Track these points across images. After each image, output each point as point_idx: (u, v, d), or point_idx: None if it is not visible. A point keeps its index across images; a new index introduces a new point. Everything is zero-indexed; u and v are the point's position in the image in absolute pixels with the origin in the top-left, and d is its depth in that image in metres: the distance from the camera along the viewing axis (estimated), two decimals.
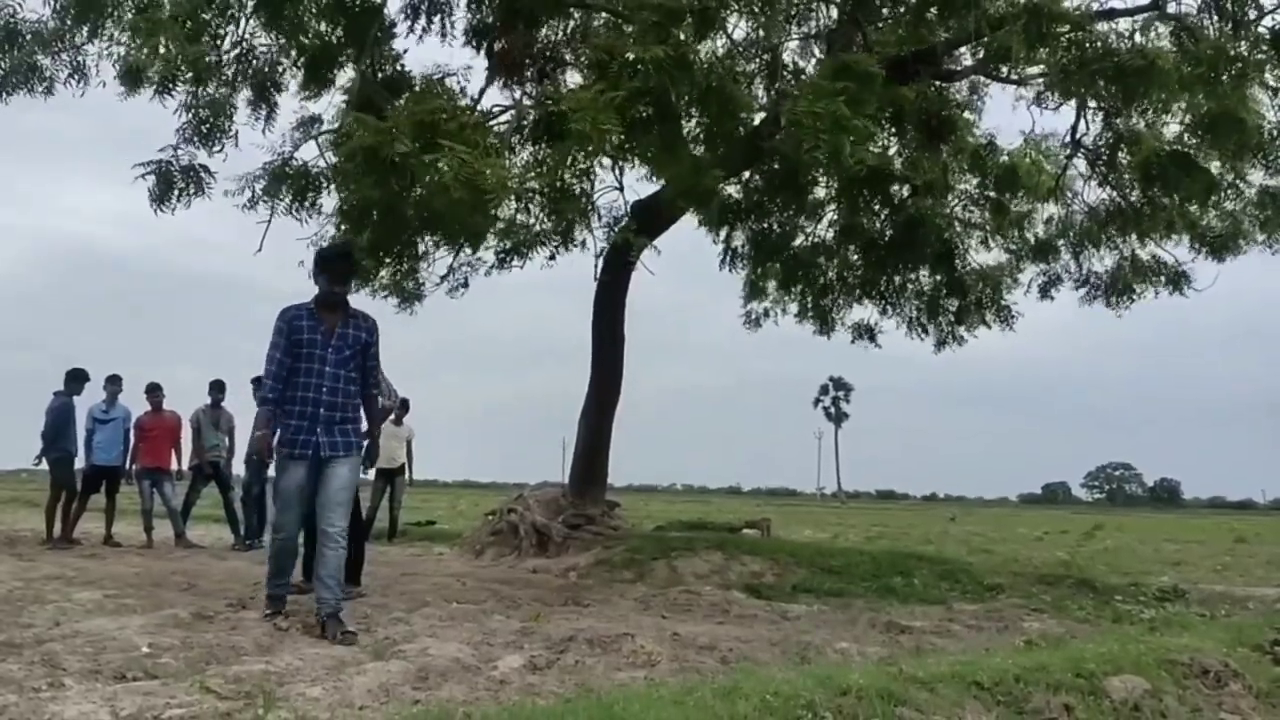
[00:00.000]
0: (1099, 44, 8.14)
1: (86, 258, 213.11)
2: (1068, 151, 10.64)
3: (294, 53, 9.35)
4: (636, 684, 3.88)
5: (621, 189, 10.55)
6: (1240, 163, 9.56)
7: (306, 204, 9.30)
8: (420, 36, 9.44)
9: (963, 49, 9.71)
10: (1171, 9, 8.46)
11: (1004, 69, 9.55)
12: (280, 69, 9.46)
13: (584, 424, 10.62)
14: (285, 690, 3.64)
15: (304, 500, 5.29)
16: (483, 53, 9.62)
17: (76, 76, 8.96)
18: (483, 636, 5.09)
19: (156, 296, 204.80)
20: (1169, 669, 3.97)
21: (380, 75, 9.53)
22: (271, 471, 6.95)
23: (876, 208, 11.40)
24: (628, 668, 4.37)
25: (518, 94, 9.66)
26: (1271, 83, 8.51)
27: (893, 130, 9.91)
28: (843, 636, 5.67)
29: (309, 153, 9.51)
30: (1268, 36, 8.09)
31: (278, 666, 4.07)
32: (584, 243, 11.09)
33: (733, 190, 11.16)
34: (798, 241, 12.23)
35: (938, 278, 11.89)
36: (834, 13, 9.83)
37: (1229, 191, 10.10)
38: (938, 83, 10.04)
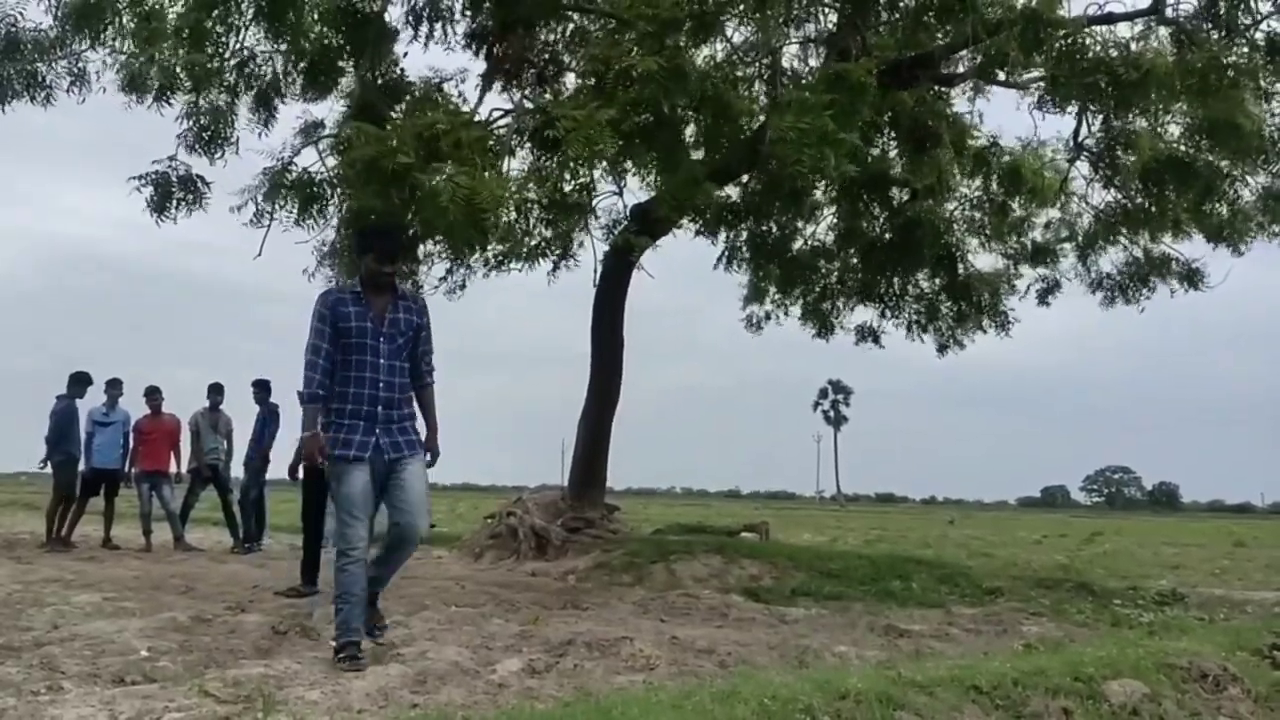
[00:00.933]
0: (1095, 50, 8.16)
1: (86, 259, 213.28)
2: (1070, 154, 10.66)
3: (295, 59, 9.37)
4: (635, 687, 3.88)
5: (620, 193, 10.58)
6: (1240, 166, 9.57)
7: (309, 211, 9.31)
8: (425, 44, 9.47)
9: (961, 53, 9.73)
10: (1169, 14, 8.49)
11: (1001, 74, 9.56)
12: (282, 76, 9.48)
13: (583, 426, 10.62)
14: (284, 694, 3.64)
15: (371, 509, 4.63)
16: (481, 56, 9.63)
17: (77, 85, 8.98)
18: (481, 640, 5.09)
19: (156, 299, 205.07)
20: (1168, 673, 3.97)
21: (380, 81, 9.54)
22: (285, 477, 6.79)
23: (876, 211, 11.42)
24: (626, 671, 4.38)
25: (516, 97, 9.68)
26: (1266, 88, 8.53)
27: (890, 135, 9.93)
28: (841, 640, 5.67)
29: (308, 158, 9.53)
30: (1263, 43, 8.11)
31: (276, 670, 4.08)
32: (581, 244, 11.13)
33: (732, 192, 11.17)
34: (797, 245, 12.25)
35: (937, 281, 11.91)
36: (833, 17, 9.85)
37: (1229, 194, 10.11)
38: (936, 87, 10.06)
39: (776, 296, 12.77)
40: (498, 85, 9.49)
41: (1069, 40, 7.99)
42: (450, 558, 10.83)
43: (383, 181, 7.19)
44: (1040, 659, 4.16)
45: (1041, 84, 9.30)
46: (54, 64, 8.86)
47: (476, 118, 8.57)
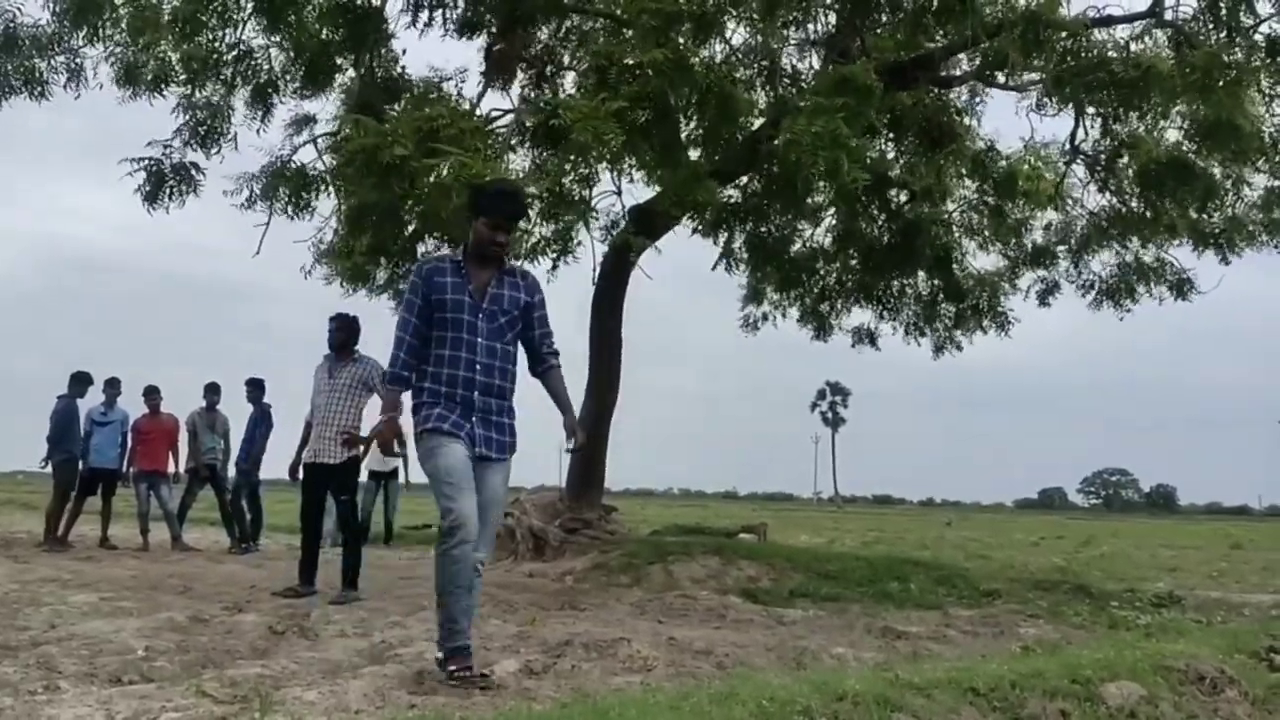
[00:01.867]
0: (1095, 51, 8.16)
1: (86, 260, 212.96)
2: (1067, 158, 10.67)
3: (293, 54, 9.36)
4: (632, 689, 3.88)
5: (620, 193, 10.57)
6: (1240, 167, 9.58)
7: (304, 206, 9.30)
8: (421, 32, 9.43)
9: (960, 55, 9.73)
10: (1168, 16, 8.49)
11: (1001, 76, 9.57)
12: (279, 72, 9.47)
13: (581, 427, 10.59)
14: (281, 694, 3.63)
15: (474, 483, 3.96)
16: (479, 49, 9.63)
17: (74, 80, 8.97)
18: (479, 641, 5.07)
19: (156, 299, 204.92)
20: (1165, 675, 3.97)
21: (379, 78, 9.53)
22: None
23: (875, 213, 11.42)
24: (624, 672, 4.37)
25: (515, 95, 9.69)
26: (1266, 89, 8.53)
27: (891, 136, 9.93)
28: (839, 642, 5.66)
29: (307, 154, 9.53)
30: (1263, 43, 8.12)
31: (274, 670, 4.07)
32: (580, 242, 11.12)
33: (731, 192, 11.17)
34: (796, 246, 12.25)
35: (935, 282, 11.91)
36: (832, 18, 9.85)
37: (1229, 196, 10.11)
38: (936, 89, 10.06)
39: (775, 298, 12.77)
40: (496, 84, 9.50)
41: (1070, 41, 7.98)
42: None
43: (381, 173, 7.18)
44: (1037, 661, 4.16)
45: (1040, 86, 9.31)
46: (51, 60, 8.85)
47: (476, 114, 8.57)
